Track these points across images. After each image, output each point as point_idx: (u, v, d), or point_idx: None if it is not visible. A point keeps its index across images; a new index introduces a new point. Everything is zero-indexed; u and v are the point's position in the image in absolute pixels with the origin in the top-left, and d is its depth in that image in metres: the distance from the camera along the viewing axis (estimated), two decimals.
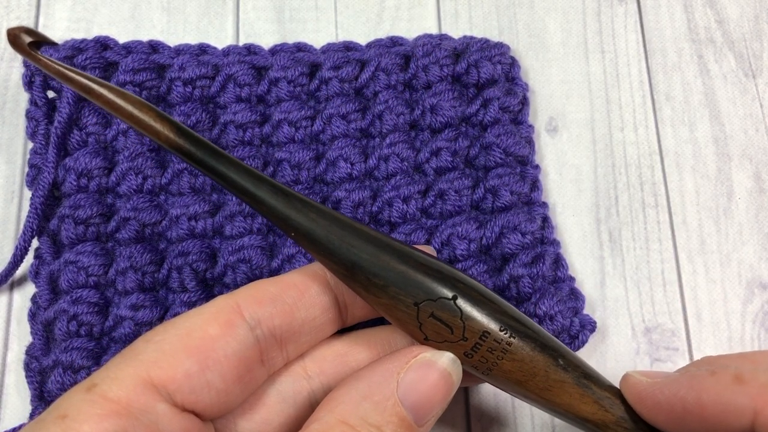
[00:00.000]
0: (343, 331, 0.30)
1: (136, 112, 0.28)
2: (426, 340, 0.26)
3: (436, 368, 0.26)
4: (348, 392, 0.25)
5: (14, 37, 0.31)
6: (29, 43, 0.31)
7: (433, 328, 0.26)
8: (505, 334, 0.26)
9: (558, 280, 0.36)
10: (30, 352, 0.34)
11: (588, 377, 0.27)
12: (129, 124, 0.28)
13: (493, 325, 0.26)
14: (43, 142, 0.36)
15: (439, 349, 0.26)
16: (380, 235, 0.27)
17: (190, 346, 0.24)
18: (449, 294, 0.26)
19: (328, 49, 0.40)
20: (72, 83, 0.29)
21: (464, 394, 0.36)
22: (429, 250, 0.31)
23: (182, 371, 0.24)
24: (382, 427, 0.24)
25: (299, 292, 0.28)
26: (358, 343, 0.30)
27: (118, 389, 0.23)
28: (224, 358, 0.25)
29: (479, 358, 0.26)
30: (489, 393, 0.36)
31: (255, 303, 0.26)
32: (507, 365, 0.26)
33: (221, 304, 0.26)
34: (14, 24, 0.41)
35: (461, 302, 0.26)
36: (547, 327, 0.34)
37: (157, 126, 0.28)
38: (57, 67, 0.30)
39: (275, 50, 0.39)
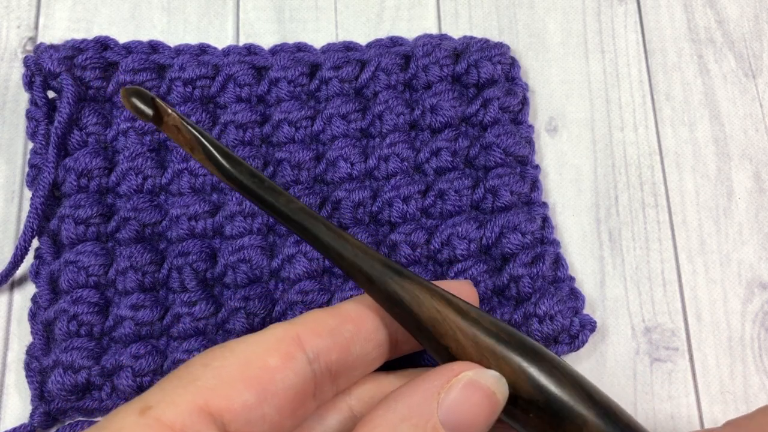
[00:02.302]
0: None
1: (257, 188, 0.27)
2: None
3: (479, 387, 0.24)
4: (385, 414, 0.24)
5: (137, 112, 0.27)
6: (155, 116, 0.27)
7: None
8: None
9: (558, 280, 0.36)
10: (30, 352, 0.34)
11: None
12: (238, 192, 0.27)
13: None
14: (43, 142, 0.36)
15: None
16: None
17: (249, 376, 0.24)
18: None
19: (328, 49, 0.40)
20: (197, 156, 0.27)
21: None
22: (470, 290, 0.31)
23: (240, 402, 0.23)
24: None
25: (356, 327, 0.27)
26: None
27: (174, 414, 0.22)
28: (282, 391, 0.24)
29: None
30: None
31: (314, 335, 0.26)
32: None
33: (281, 333, 0.25)
34: (14, 24, 0.41)
35: None
36: (547, 327, 0.34)
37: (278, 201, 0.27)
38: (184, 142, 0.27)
39: (275, 50, 0.39)
